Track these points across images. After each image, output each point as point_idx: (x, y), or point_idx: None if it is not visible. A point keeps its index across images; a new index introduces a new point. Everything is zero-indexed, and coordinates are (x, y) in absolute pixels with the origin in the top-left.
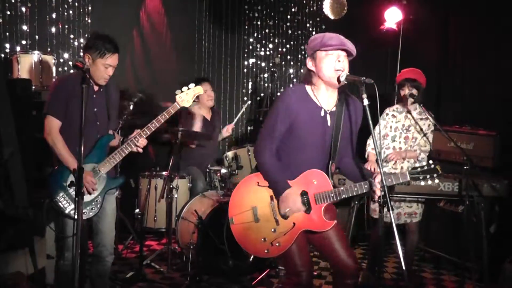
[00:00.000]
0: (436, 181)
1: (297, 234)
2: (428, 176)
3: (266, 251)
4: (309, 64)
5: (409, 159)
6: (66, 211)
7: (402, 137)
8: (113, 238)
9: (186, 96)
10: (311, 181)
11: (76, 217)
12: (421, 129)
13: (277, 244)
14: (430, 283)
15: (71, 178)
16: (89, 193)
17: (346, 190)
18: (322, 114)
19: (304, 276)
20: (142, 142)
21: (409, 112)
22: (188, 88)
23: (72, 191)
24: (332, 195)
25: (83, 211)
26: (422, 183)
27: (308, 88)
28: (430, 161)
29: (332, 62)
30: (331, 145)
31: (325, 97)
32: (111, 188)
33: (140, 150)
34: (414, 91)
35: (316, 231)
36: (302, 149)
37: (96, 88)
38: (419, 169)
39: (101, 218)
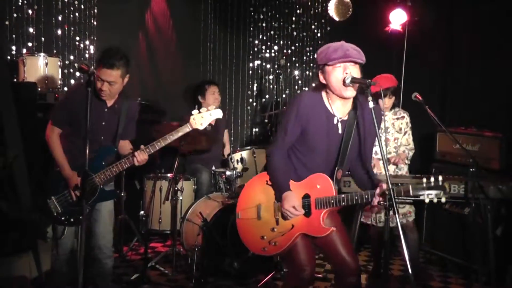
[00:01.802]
0: (443, 200)
1: (294, 236)
2: (433, 193)
3: (263, 249)
4: (321, 77)
5: (403, 160)
6: (54, 214)
7: (382, 139)
8: (110, 241)
9: (201, 119)
10: (315, 185)
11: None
12: (400, 129)
13: (273, 244)
14: (437, 286)
15: (64, 183)
16: (75, 198)
17: (346, 198)
18: (335, 122)
19: (306, 272)
20: (143, 157)
21: (383, 114)
22: (207, 110)
23: (62, 195)
24: (332, 201)
25: (67, 217)
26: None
27: (324, 94)
28: (440, 177)
29: (339, 75)
30: (339, 152)
31: (339, 106)
32: (102, 201)
33: (136, 164)
34: (393, 98)
35: (313, 236)
36: (311, 153)
37: (109, 103)
38: (424, 185)
39: (97, 221)
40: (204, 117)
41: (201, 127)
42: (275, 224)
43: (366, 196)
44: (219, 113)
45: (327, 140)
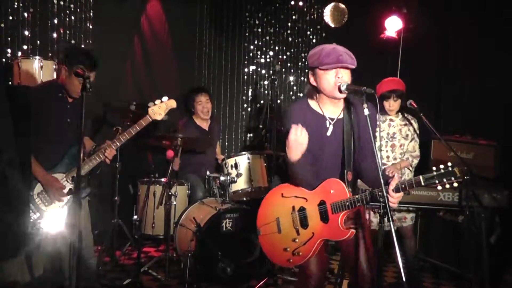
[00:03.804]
0: (455, 185)
1: (316, 243)
2: (445, 180)
3: (288, 260)
4: (311, 79)
5: (403, 168)
6: (31, 220)
7: (388, 145)
8: (91, 240)
9: (158, 109)
10: (329, 190)
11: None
12: (407, 135)
13: (299, 253)
14: None
15: (39, 187)
16: (59, 200)
17: (360, 199)
18: (327, 125)
19: (312, 279)
20: (111, 153)
21: (391, 120)
22: (161, 102)
23: (38, 200)
24: (347, 203)
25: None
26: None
27: (311, 101)
28: (449, 163)
29: (331, 79)
30: (342, 154)
31: (330, 107)
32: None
33: (108, 162)
34: (398, 102)
35: (334, 241)
36: (316, 160)
37: (70, 99)
38: (434, 173)
39: None
40: (161, 106)
41: (159, 117)
42: (295, 234)
43: (380, 193)
44: (173, 103)
45: (325, 143)
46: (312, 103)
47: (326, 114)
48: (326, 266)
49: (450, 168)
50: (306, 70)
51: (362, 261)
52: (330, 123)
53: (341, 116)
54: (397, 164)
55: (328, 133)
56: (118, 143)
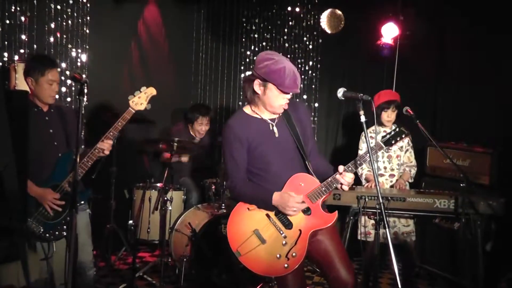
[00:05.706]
0: (406, 140)
1: (307, 238)
2: (398, 139)
3: (285, 266)
4: (256, 87)
5: (407, 180)
6: (37, 234)
7: (385, 156)
8: (90, 253)
9: (139, 100)
10: (298, 184)
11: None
12: (401, 146)
13: (293, 255)
14: None
15: (35, 200)
16: (55, 210)
17: (334, 180)
18: (271, 127)
19: None
20: (106, 145)
21: (385, 131)
22: (140, 92)
23: (38, 213)
24: (323, 189)
25: (52, 232)
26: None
27: (247, 110)
28: (395, 125)
29: (282, 100)
30: (297, 148)
31: (267, 112)
32: (79, 204)
33: (107, 152)
34: (395, 112)
35: (323, 228)
36: (272, 166)
37: (45, 109)
38: (387, 136)
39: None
40: (141, 96)
41: (142, 107)
42: (283, 237)
43: (349, 169)
44: (152, 91)
45: (275, 146)
46: (248, 111)
47: (265, 117)
48: (305, 284)
49: (397, 129)
50: (302, 76)
51: (340, 268)
52: (273, 125)
53: (276, 117)
54: (401, 180)
55: (276, 135)
56: (110, 138)
